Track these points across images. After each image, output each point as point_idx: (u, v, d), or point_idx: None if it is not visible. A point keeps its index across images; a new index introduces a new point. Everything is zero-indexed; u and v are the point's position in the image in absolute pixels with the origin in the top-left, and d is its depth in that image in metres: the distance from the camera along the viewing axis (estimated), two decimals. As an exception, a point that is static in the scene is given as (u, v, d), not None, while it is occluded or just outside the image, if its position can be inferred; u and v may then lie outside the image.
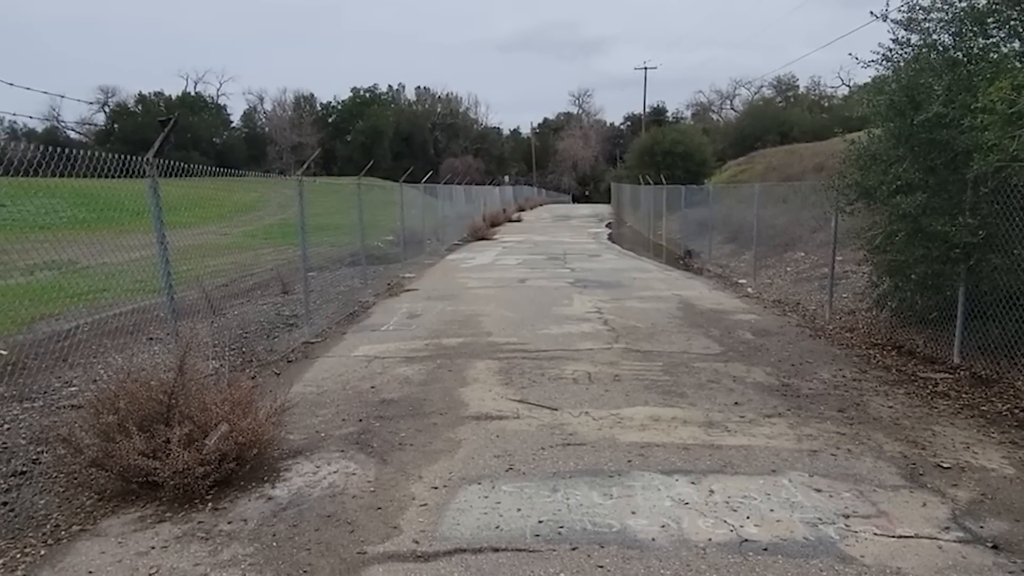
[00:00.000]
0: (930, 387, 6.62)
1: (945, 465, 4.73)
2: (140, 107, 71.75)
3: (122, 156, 5.47)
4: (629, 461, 4.81)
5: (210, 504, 4.27)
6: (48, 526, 4.08)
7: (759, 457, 4.86)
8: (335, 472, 4.73)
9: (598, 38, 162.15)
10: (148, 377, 4.75)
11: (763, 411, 5.88)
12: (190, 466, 4.25)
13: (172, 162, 5.95)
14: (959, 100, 6.61)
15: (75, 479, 4.61)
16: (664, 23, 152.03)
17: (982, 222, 6.70)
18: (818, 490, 4.32)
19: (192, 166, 6.54)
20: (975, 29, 7.41)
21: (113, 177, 5.57)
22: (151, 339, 8.66)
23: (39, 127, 65.46)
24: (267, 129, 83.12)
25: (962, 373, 6.99)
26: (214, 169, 7.28)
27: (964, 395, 6.36)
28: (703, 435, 5.30)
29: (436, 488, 4.44)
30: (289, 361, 8.01)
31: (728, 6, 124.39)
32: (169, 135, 5.69)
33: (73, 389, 7.05)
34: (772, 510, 4.04)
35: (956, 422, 5.67)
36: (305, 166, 9.76)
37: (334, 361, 7.91)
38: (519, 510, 4.09)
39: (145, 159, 5.59)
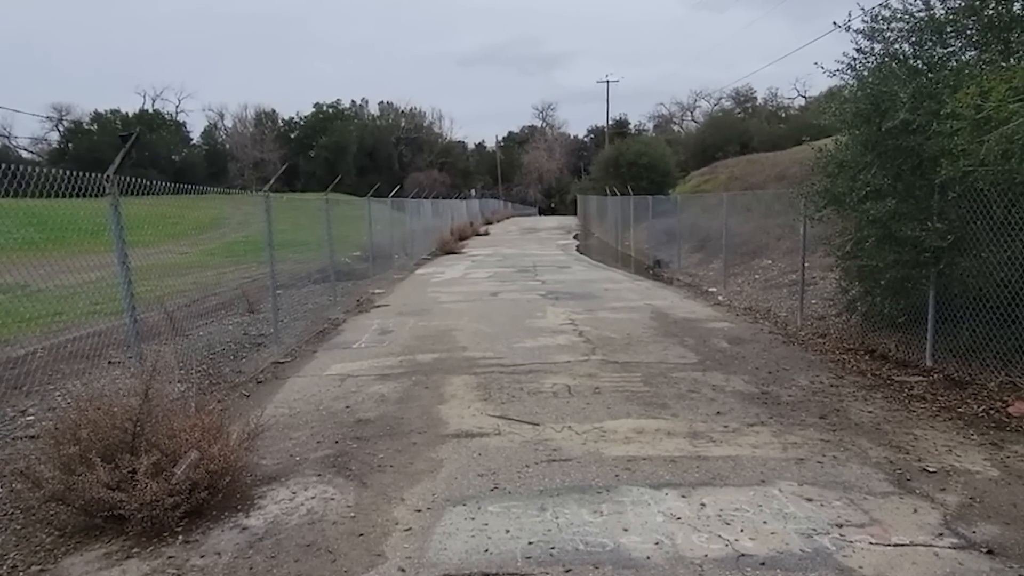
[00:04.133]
0: (906, 391, 6.67)
1: (931, 469, 4.72)
2: (95, 125, 69.96)
3: (79, 173, 5.23)
4: (616, 476, 4.70)
5: (181, 537, 4.04)
6: (4, 567, 3.80)
7: (747, 467, 4.80)
8: (313, 498, 4.53)
9: (559, 53, 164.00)
10: (111, 404, 4.50)
11: (746, 420, 5.84)
12: (158, 497, 4.01)
13: (132, 179, 5.70)
14: (925, 107, 6.72)
15: (33, 515, 4.33)
16: (623, 38, 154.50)
17: (950, 226, 6.81)
18: (809, 499, 4.27)
19: (155, 183, 6.29)
20: (934, 38, 7.57)
21: (66, 196, 5.34)
22: (111, 363, 8.29)
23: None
24: (228, 146, 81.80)
25: (936, 376, 7.06)
26: (177, 186, 7.02)
27: (940, 398, 6.41)
28: (689, 446, 5.23)
29: (420, 511, 4.28)
30: (259, 382, 7.75)
31: (684, 22, 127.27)
32: (130, 151, 5.46)
33: (29, 418, 6.71)
34: (765, 522, 3.97)
35: (936, 425, 5.70)
36: (271, 182, 9.52)
37: (306, 381, 7.67)
38: (507, 531, 3.95)
39: (105, 176, 5.36)
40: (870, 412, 6.05)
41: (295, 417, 6.33)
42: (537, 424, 5.83)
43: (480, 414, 6.18)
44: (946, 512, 4.09)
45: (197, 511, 4.24)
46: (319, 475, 4.91)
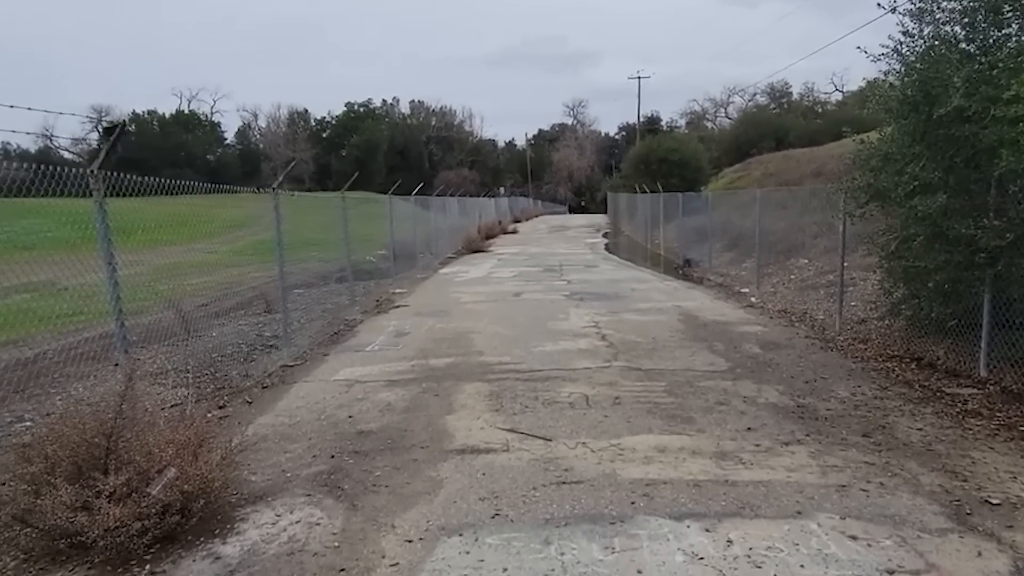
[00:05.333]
0: (959, 405, 6.05)
1: (994, 501, 4.14)
2: (133, 126, 71.24)
3: (62, 169, 4.92)
4: (633, 503, 4.21)
5: (148, 566, 3.68)
6: (-43, 597, 3.49)
7: (781, 495, 4.27)
8: (297, 522, 4.14)
9: (587, 50, 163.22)
10: (83, 417, 4.16)
11: (780, 437, 5.30)
12: (124, 522, 3.65)
13: (120, 174, 5.38)
14: (980, 92, 6.10)
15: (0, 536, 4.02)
16: (653, 35, 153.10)
17: (1009, 224, 6.16)
18: (853, 537, 3.72)
19: (147, 179, 5.98)
20: (989, 19, 6.93)
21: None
22: (118, 365, 8.07)
23: (32, 147, 65.02)
24: (261, 145, 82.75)
25: (991, 388, 6.43)
26: (174, 184, 6.70)
27: (998, 413, 5.78)
28: (715, 468, 4.71)
29: (411, 541, 3.85)
30: (264, 387, 7.42)
31: (715, 18, 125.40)
32: (115, 145, 5.14)
33: (26, 424, 6.47)
34: (803, 565, 3.44)
35: (995, 446, 5.09)
36: (280, 179, 9.20)
37: (312, 386, 7.32)
38: (505, 570, 3.49)
39: (89, 171, 5.04)
40: (920, 430, 5.46)
41: (295, 427, 5.96)
42: (549, 439, 5.37)
43: (489, 427, 5.74)
44: (1016, 556, 3.52)
45: (170, 536, 3.88)
46: (309, 495, 4.52)
